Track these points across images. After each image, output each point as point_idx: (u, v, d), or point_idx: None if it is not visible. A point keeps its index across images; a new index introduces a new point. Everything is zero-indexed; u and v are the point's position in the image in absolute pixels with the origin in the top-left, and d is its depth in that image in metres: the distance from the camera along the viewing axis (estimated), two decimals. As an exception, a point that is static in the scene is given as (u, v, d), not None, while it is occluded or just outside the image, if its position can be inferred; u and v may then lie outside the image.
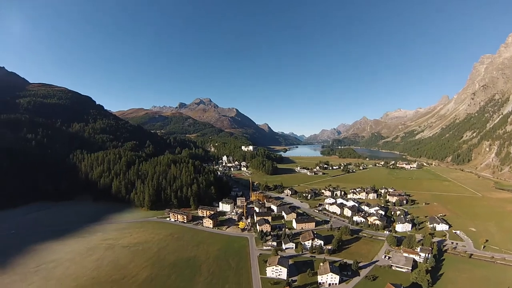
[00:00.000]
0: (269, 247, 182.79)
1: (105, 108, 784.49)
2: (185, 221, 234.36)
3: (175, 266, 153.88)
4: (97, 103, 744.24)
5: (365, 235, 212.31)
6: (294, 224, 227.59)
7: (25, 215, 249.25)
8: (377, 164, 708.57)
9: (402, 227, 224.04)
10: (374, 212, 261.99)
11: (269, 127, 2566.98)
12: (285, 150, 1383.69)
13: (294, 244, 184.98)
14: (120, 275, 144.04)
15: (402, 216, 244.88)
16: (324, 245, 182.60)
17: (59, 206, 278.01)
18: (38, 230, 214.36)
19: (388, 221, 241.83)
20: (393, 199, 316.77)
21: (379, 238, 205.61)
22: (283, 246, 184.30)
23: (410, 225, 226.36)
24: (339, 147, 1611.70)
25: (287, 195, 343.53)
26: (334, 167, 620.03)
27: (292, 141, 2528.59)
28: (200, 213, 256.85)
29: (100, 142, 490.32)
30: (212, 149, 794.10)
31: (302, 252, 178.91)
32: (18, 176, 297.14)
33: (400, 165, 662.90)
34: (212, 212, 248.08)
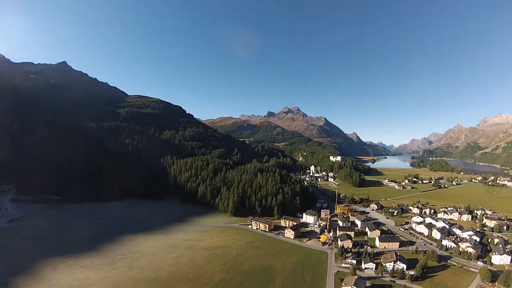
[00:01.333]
0: (348, 265, 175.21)
1: (195, 116, 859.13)
2: (267, 230, 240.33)
3: (250, 274, 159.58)
4: (187, 112, 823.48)
5: (454, 263, 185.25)
6: (377, 242, 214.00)
7: (120, 208, 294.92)
8: (473, 180, 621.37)
9: (499, 259, 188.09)
10: (467, 237, 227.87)
11: (357, 137, 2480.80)
12: (374, 161, 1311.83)
13: (374, 265, 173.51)
14: (196, 274, 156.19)
15: (501, 245, 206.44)
16: (406, 269, 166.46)
17: (149, 204, 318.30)
18: (128, 223, 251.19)
19: (483, 249, 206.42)
20: (491, 224, 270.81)
21: (471, 269, 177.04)
22: (363, 266, 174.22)
23: (510, 257, 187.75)
24: (430, 158, 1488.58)
25: (373, 210, 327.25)
26: (424, 181, 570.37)
27: (381, 151, 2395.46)
28: (282, 223, 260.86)
29: (189, 149, 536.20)
30: (300, 159, 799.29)
31: (382, 274, 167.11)
32: (116, 174, 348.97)
33: (501, 182, 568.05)
34: (295, 223, 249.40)
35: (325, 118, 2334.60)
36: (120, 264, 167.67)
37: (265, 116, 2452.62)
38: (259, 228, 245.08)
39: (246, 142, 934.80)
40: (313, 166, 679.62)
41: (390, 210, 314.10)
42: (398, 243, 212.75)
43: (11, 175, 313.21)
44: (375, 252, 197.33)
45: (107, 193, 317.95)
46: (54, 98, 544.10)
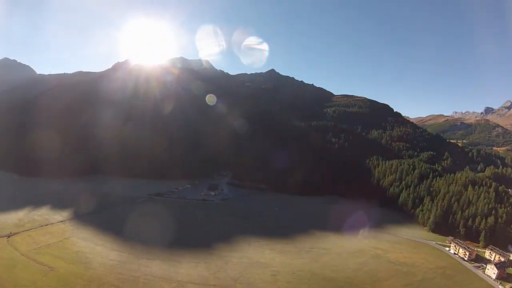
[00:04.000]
0: None
1: (403, 115, 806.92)
2: (465, 258, 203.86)
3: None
4: (394, 110, 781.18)
5: None
6: None
7: (319, 204, 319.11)
8: None
9: None
10: None
11: None
12: None
13: None
14: (371, 286, 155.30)
15: None
16: None
17: (348, 204, 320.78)
18: (324, 218, 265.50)
19: None
20: None
21: None
22: None
23: None
24: None
25: None
26: None
27: None
28: (487, 254, 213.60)
29: (396, 150, 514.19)
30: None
31: None
32: (321, 171, 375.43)
33: None
34: (502, 259, 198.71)
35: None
36: (305, 255, 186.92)
37: (481, 113, 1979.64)
38: (456, 253, 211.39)
39: (459, 144, 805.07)
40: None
41: None
42: None
43: (229, 164, 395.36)
44: None
45: (310, 187, 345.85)
46: (266, 101, 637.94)
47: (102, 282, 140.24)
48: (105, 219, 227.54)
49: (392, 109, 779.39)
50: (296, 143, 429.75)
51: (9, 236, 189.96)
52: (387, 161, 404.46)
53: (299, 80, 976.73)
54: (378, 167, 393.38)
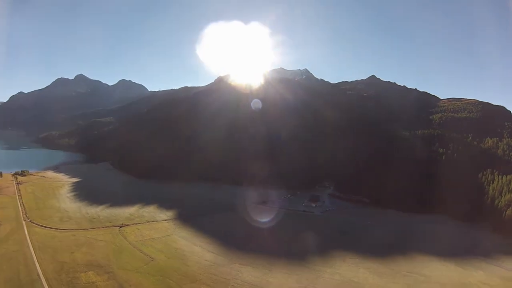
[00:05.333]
0: None
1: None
2: None
3: None
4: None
5: None
6: None
7: (422, 223, 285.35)
8: None
9: None
10: None
11: None
12: None
13: None
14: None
15: None
16: None
17: (453, 224, 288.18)
18: (423, 239, 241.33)
19: None
20: None
21: None
22: None
23: None
24: None
25: None
26: None
27: None
28: None
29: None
30: None
31: None
32: (425, 186, 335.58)
33: None
34: None
35: None
36: (400, 280, 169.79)
37: None
38: None
39: None
40: None
41: None
42: None
43: (332, 176, 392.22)
44: None
45: (413, 204, 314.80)
46: (368, 109, 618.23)
47: (195, 279, 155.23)
48: (206, 222, 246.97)
49: (510, 112, 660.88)
50: (400, 154, 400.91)
51: (121, 227, 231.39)
52: (504, 176, 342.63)
53: (401, 85, 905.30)
54: (493, 183, 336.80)
